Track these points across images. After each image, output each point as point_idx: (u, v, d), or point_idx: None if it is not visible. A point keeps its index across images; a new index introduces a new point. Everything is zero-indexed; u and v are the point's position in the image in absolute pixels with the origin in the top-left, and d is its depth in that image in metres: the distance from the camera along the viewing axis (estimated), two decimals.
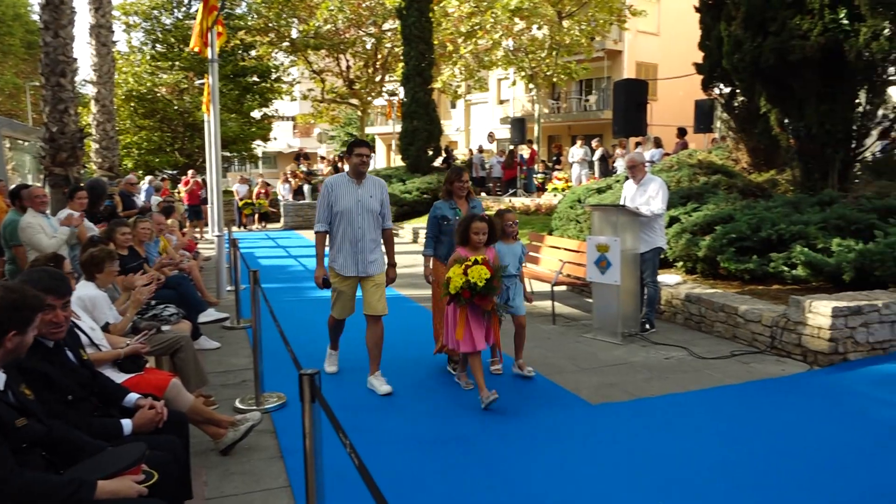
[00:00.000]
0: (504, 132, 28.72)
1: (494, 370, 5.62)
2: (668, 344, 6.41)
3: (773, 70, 8.18)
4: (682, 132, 17.24)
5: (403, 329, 6.87)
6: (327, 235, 5.21)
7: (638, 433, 4.29)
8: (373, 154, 5.23)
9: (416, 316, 7.74)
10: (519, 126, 20.33)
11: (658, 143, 17.58)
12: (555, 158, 24.35)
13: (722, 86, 10.17)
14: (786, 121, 8.66)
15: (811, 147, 8.37)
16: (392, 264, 5.41)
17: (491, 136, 27.20)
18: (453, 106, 39.33)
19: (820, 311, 5.59)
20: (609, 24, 24.62)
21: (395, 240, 6.87)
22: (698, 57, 10.25)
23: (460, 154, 29.71)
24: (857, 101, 8.24)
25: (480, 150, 25.03)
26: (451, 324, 4.87)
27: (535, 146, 23.22)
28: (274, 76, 31.36)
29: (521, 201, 16.89)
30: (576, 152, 20.16)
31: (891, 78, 8.27)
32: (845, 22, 7.61)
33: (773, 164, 10.04)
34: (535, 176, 21.35)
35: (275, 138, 39.27)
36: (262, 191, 21.98)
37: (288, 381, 5.09)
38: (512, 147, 20.98)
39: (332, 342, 5.75)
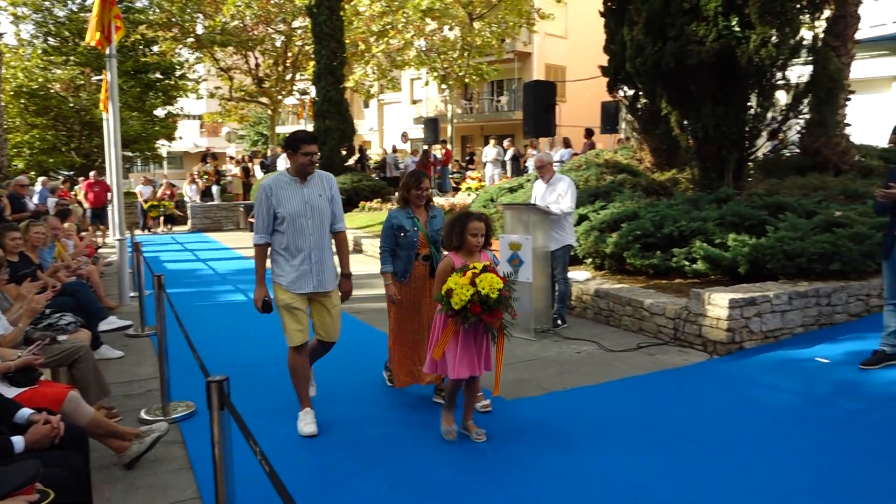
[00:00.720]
0: (418, 132, 28.78)
1: (482, 407, 4.61)
2: (579, 339, 6.59)
3: (672, 74, 8.56)
4: (589, 133, 17.79)
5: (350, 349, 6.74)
6: (269, 248, 4.35)
7: (551, 426, 4.39)
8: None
9: (363, 334, 7.52)
10: (432, 126, 20.43)
11: (567, 144, 18.06)
12: (468, 158, 24.61)
13: (626, 88, 10.57)
14: (685, 122, 9.09)
15: (708, 147, 8.82)
16: (347, 274, 4.51)
17: (405, 136, 27.20)
18: (366, 105, 39.08)
19: (718, 303, 5.89)
20: (518, 26, 25.09)
21: None
22: (604, 60, 10.62)
23: (374, 154, 29.57)
24: (748, 104, 8.73)
25: (394, 150, 25.01)
26: (436, 338, 4.06)
27: (448, 146, 23.39)
28: (178, 73, 30.22)
29: (436, 201, 16.95)
30: (489, 152, 20.45)
31: (778, 82, 8.82)
32: (737, 29, 8.06)
33: (675, 164, 10.52)
34: (449, 176, 21.51)
35: (180, 137, 37.87)
36: (167, 192, 21.15)
37: (197, 389, 4.91)
38: (426, 147, 21.06)
39: (301, 396, 4.43)
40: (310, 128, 21.34)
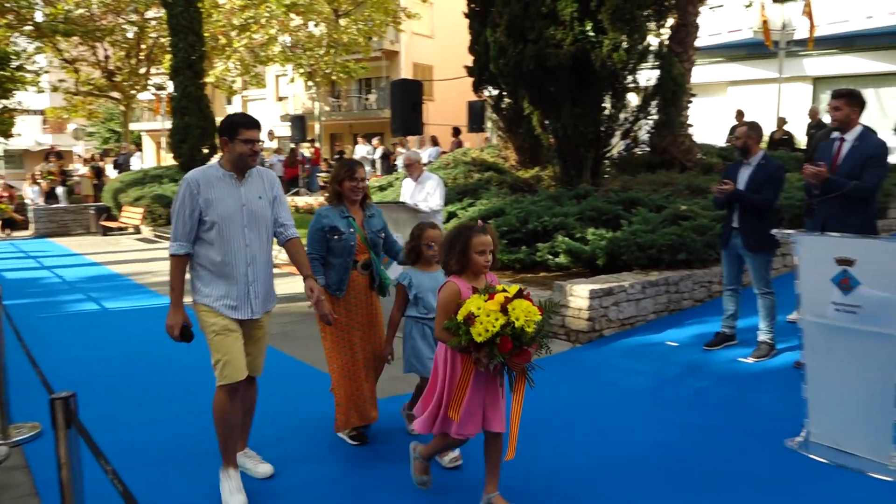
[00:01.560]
0: (285, 130, 28.08)
1: (451, 461, 3.77)
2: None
3: (533, 75, 8.89)
4: (456, 132, 18.12)
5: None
6: (188, 260, 3.41)
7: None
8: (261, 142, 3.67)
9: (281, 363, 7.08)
10: (299, 124, 19.99)
11: (435, 142, 18.30)
12: (337, 157, 24.32)
13: (491, 88, 10.86)
14: (546, 122, 9.48)
15: (568, 146, 9.25)
16: (309, 275, 3.58)
17: (271, 134, 26.44)
18: (229, 102, 37.64)
19: (579, 294, 6.19)
20: (385, 24, 25.08)
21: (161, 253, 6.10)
22: (470, 60, 10.85)
23: None
24: (603, 105, 9.24)
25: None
26: (446, 389, 3.10)
27: (317, 144, 22.99)
28: (15, 64, 27.62)
29: (304, 200, 16.64)
30: (358, 150, 20.31)
31: (629, 85, 9.39)
32: (591, 34, 8.50)
33: (538, 162, 10.94)
34: (318, 174, 21.16)
35: (19, 134, 34.63)
36: (5, 194, 19.32)
37: (43, 408, 4.52)
38: (293, 145, 20.57)
39: (228, 451, 3.47)
40: (168, 125, 20.24)
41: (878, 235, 5.02)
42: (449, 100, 28.30)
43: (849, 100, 4.93)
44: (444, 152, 16.48)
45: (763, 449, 3.90)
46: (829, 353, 3.82)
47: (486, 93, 11.03)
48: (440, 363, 3.16)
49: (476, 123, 16.31)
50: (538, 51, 8.65)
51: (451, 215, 8.71)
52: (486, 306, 2.82)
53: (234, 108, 38.02)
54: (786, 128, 14.88)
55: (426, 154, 16.56)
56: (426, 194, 6.97)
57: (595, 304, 6.15)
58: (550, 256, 7.48)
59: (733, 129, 5.59)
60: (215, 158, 20.28)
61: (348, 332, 3.99)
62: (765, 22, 16.95)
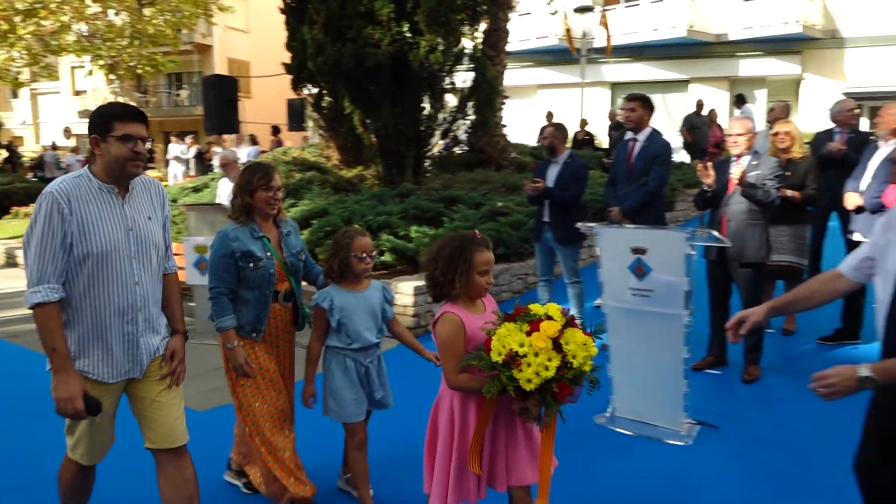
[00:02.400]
0: (83, 127, 25.66)
1: None
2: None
3: (353, 74, 8.87)
4: (276, 130, 17.64)
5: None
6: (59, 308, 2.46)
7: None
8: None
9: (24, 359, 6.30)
10: None
11: (254, 141, 17.67)
12: (147, 156, 22.69)
13: (310, 86, 10.67)
14: (367, 121, 9.50)
15: (389, 145, 9.34)
16: (180, 331, 2.79)
17: (68, 132, 24.04)
18: (15, 95, 33.71)
19: (404, 291, 6.28)
20: (196, 16, 23.77)
21: None
22: (287, 57, 10.57)
23: (28, 151, 25.66)
24: (422, 105, 9.44)
25: (55, 147, 21.96)
26: (456, 448, 2.52)
27: None
28: None
29: None
30: (171, 149, 19.09)
31: (447, 86, 9.68)
32: (409, 35, 8.64)
33: (360, 161, 10.94)
34: None
35: None
36: None
37: None
38: None
39: None
40: None
41: (665, 226, 5.59)
42: (267, 97, 27.46)
43: (643, 102, 5.45)
44: (263, 151, 15.96)
45: (575, 426, 4.19)
46: (628, 334, 4.20)
47: (305, 91, 10.82)
48: (444, 416, 2.56)
49: (296, 122, 15.96)
50: (357, 50, 8.64)
51: None
52: (531, 342, 2.18)
53: (23, 102, 34.19)
54: (588, 128, 16.13)
55: (244, 153, 15.93)
56: None
57: (420, 301, 6.27)
58: (375, 255, 7.51)
59: (543, 129, 5.98)
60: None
61: (272, 381, 3.20)
62: (568, 30, 18.24)
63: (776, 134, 5.50)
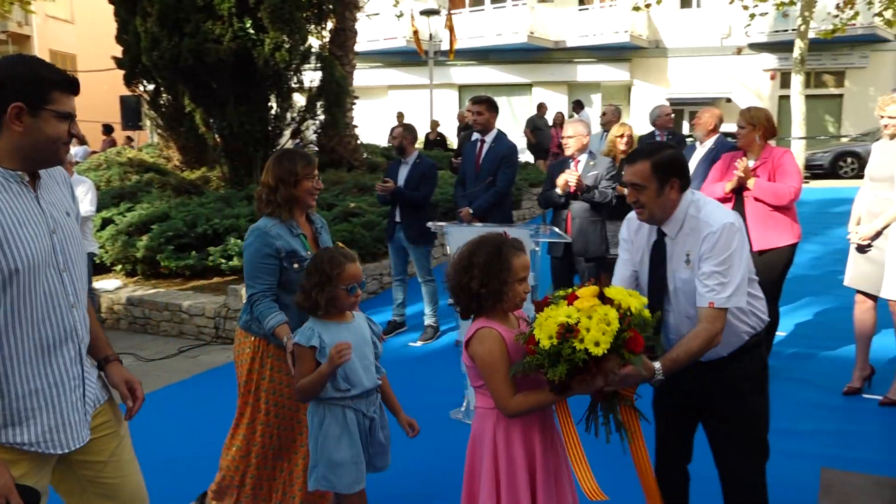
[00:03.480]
0: None
1: None
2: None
3: (193, 70, 8.45)
4: (108, 129, 16.43)
5: None
6: None
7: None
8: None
9: None
10: None
11: (82, 141, 16.32)
12: None
13: (146, 82, 10.03)
14: (210, 120, 9.08)
15: (235, 145, 9.00)
16: (117, 358, 2.14)
17: None
18: None
19: None
20: (10, 3, 21.56)
21: None
22: (118, 51, 9.87)
23: None
24: (269, 104, 9.18)
25: None
26: (500, 490, 2.13)
27: None
28: None
29: None
30: None
31: (294, 85, 9.47)
32: (252, 31, 8.37)
33: (204, 162, 10.44)
34: None
35: None
36: None
37: None
38: None
39: None
40: None
41: (512, 224, 5.82)
42: (98, 93, 25.46)
43: (488, 105, 5.62)
44: (94, 152, 14.80)
45: (432, 422, 4.26)
46: None
47: (141, 87, 10.16)
48: (486, 459, 2.14)
49: (131, 120, 14.91)
50: (196, 45, 8.25)
51: (106, 221, 7.86)
52: (578, 307, 1.95)
53: None
54: (439, 129, 16.44)
55: (72, 154, 14.69)
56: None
57: None
58: (224, 260, 7.20)
59: (392, 130, 6.03)
60: None
61: (290, 409, 2.88)
62: (415, 32, 18.46)
63: (621, 136, 5.89)
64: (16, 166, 1.78)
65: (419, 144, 14.36)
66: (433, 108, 17.89)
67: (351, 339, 2.46)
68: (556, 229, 4.29)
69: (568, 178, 4.92)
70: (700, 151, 5.48)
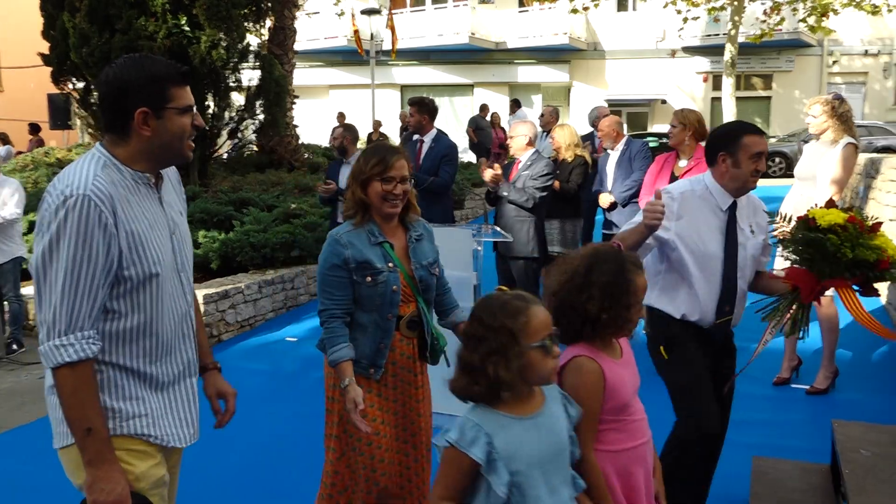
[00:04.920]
0: None
1: None
2: (40, 362, 5.82)
3: None
4: (35, 128, 15.77)
5: None
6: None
7: (11, 468, 3.77)
8: None
9: None
10: None
11: (6, 140, 15.61)
12: None
13: (75, 80, 9.67)
14: None
15: None
16: (217, 367, 2.17)
17: None
18: None
19: None
20: None
21: None
22: (45, 46, 9.48)
23: None
24: (207, 103, 8.97)
25: None
26: None
27: None
28: None
29: None
30: None
31: (232, 84, 9.28)
32: (187, 29, 8.16)
33: None
34: None
35: None
36: None
37: None
38: None
39: None
40: None
41: (454, 223, 5.85)
42: (24, 91, 24.40)
43: (419, 107, 5.63)
44: (19, 152, 14.16)
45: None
46: None
47: (70, 85, 9.78)
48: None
49: (60, 119, 14.34)
50: (128, 42, 8.00)
51: (33, 225, 7.54)
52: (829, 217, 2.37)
53: None
54: (381, 130, 16.37)
55: None
56: (0, 202, 5.92)
57: (211, 309, 5.95)
58: None
59: (334, 130, 5.99)
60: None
61: (388, 432, 2.51)
62: (356, 32, 18.35)
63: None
64: (144, 168, 1.79)
65: (361, 144, 14.29)
66: (375, 108, 17.82)
67: (537, 443, 1.65)
68: (498, 228, 4.33)
69: (486, 176, 4.93)
70: (614, 156, 5.66)
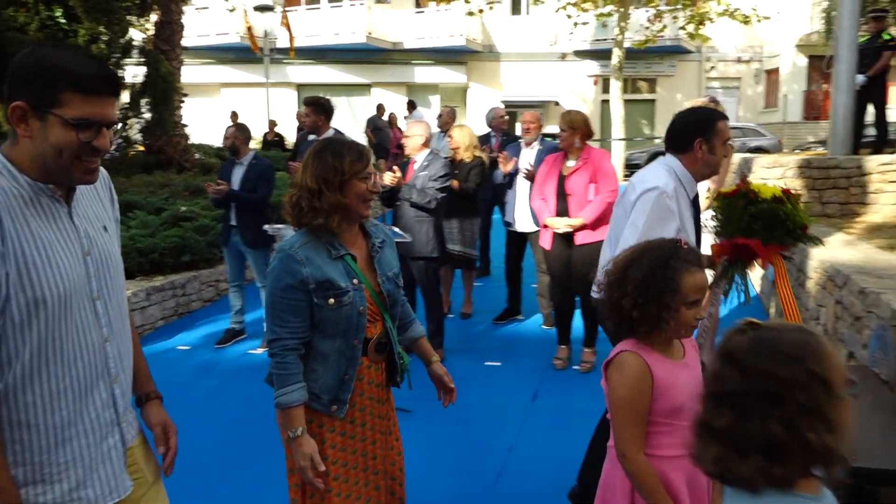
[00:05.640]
0: None
1: None
2: None
3: None
4: None
5: None
6: None
7: None
8: None
9: None
10: None
11: None
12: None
13: None
14: None
15: None
16: (157, 396, 1.92)
17: None
18: None
19: None
20: None
21: None
22: None
23: None
24: None
25: None
26: None
27: None
28: None
29: None
30: None
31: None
32: (63, 21, 7.67)
33: None
34: None
35: None
36: None
37: None
38: None
39: None
40: None
41: None
42: None
43: (315, 108, 5.54)
44: None
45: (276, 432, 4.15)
46: None
47: None
48: None
49: None
50: None
51: None
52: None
53: None
54: (277, 130, 16.01)
55: None
56: None
57: None
58: None
59: (227, 129, 5.79)
60: None
61: (357, 468, 2.18)
62: (249, 28, 17.84)
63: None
64: (41, 177, 1.49)
65: (256, 144, 13.90)
66: (270, 107, 17.39)
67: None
68: (396, 229, 4.32)
69: (386, 179, 4.93)
70: (529, 152, 5.72)
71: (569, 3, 17.56)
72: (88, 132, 1.44)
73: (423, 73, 24.05)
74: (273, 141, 15.52)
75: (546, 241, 4.84)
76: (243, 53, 21.76)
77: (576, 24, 17.74)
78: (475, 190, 5.76)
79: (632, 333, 1.78)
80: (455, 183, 5.45)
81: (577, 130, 4.65)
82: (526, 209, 5.43)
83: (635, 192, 2.65)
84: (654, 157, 17.80)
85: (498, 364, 5.24)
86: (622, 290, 1.75)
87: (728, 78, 23.67)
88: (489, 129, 7.19)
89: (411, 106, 15.91)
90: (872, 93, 7.97)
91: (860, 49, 7.41)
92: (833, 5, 12.43)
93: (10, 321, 1.43)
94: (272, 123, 16.00)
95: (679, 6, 17.53)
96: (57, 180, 1.51)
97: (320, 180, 2.05)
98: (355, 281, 2.09)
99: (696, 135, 2.66)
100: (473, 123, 18.27)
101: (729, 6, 17.34)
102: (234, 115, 15.28)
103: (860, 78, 7.59)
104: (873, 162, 6.78)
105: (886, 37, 8.23)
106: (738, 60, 23.46)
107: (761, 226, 2.59)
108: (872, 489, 2.96)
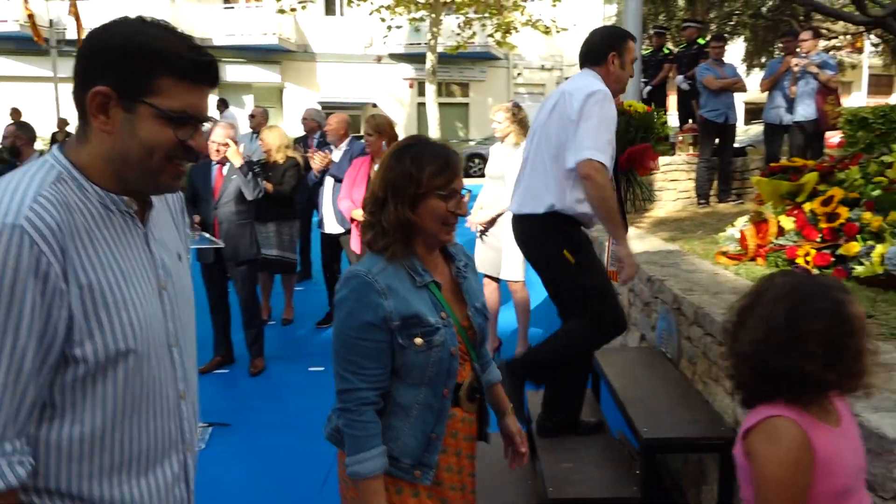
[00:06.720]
0: None
1: None
2: None
3: None
4: None
5: None
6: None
7: None
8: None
9: None
10: None
11: None
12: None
13: None
14: None
15: None
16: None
17: None
18: None
19: None
20: None
21: None
22: None
23: None
24: None
25: None
26: None
27: None
28: None
29: None
30: None
31: None
32: None
33: None
34: None
35: None
36: None
37: None
38: None
39: None
40: None
41: None
42: None
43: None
44: None
45: None
46: None
47: None
48: None
49: None
50: None
51: None
52: None
53: None
54: (68, 129, 14.56)
55: None
56: None
57: None
58: None
59: (6, 128, 5.15)
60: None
61: None
62: (31, 16, 16.06)
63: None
64: (116, 187, 1.16)
65: (45, 145, 12.53)
66: (60, 104, 15.77)
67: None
68: (207, 234, 4.11)
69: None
70: (337, 154, 5.73)
71: (382, 6, 17.75)
72: (186, 129, 1.16)
73: (235, 72, 23.10)
74: (64, 141, 14.12)
75: (356, 244, 4.84)
76: (25, 44, 19.55)
77: (389, 27, 17.98)
78: (291, 192, 5.63)
79: (777, 395, 1.37)
80: (269, 186, 5.30)
81: (384, 134, 4.72)
82: (333, 211, 5.40)
83: (576, 98, 2.66)
84: (469, 158, 18.56)
85: (321, 369, 5.16)
86: (801, 349, 1.33)
87: (533, 84, 25.21)
88: (305, 131, 7.06)
89: (223, 105, 15.20)
90: (656, 100, 8.96)
91: (643, 60, 8.46)
92: (620, 21, 13.71)
93: (76, 376, 1.09)
94: (62, 122, 14.54)
95: (487, 15, 18.40)
96: (135, 189, 1.19)
97: (387, 193, 1.64)
98: (443, 315, 1.68)
99: (611, 49, 2.76)
100: (290, 124, 17.90)
101: (531, 17, 18.49)
102: (16, 113, 13.67)
103: (680, 79, 8.91)
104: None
105: (666, 51, 9.47)
106: (542, 68, 25.07)
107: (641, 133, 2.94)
108: (663, 457, 3.30)
